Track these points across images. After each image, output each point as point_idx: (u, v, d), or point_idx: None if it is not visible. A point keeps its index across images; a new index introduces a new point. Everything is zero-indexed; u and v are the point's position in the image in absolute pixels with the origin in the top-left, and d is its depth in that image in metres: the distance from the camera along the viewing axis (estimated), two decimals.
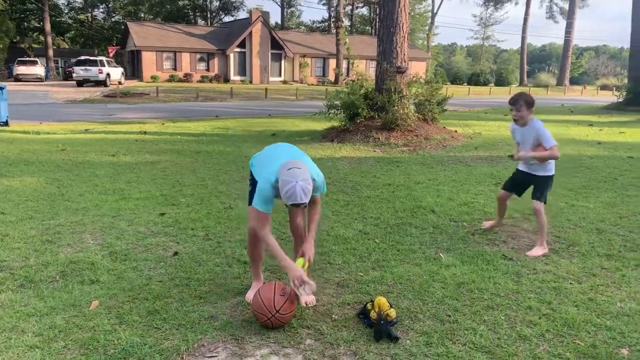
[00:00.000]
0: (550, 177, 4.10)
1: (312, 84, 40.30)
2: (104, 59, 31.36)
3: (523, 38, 58.50)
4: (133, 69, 40.64)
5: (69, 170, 6.94)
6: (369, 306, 2.82)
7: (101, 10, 60.77)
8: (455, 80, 57.86)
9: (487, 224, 4.64)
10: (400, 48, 10.35)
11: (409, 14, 10.80)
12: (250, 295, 3.07)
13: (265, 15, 40.08)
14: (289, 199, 2.61)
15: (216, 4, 60.86)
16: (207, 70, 39.34)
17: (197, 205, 5.24)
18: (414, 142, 9.69)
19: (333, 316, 2.91)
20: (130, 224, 4.58)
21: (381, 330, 2.66)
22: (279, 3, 59.59)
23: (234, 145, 9.56)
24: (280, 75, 41.42)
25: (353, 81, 10.95)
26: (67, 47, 59.11)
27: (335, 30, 42.23)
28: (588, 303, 3.13)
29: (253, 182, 3.06)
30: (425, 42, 63.33)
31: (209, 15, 61.15)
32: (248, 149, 9.10)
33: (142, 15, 58.45)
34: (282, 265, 2.84)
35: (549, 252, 4.00)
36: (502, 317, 2.94)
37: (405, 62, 10.47)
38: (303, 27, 68.17)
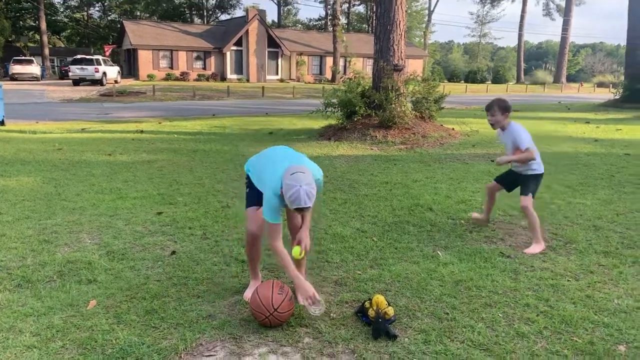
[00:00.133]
0: (535, 176, 4.12)
1: (309, 82, 40.26)
2: (100, 57, 31.30)
3: (520, 35, 58.61)
4: (129, 67, 40.53)
5: (66, 169, 6.92)
6: (367, 304, 2.82)
7: (97, 8, 60.62)
8: (452, 78, 57.88)
9: (474, 215, 4.70)
10: (397, 46, 10.35)
11: (406, 11, 10.79)
12: (248, 294, 3.06)
13: (261, 14, 39.99)
14: (292, 203, 2.59)
15: (212, 2, 60.75)
16: (204, 68, 39.25)
17: (194, 204, 5.23)
18: (411, 140, 9.70)
19: (331, 315, 2.91)
20: (128, 223, 4.57)
21: (379, 328, 2.66)
22: (275, 1, 59.60)
23: (231, 144, 9.55)
24: (277, 73, 41.37)
25: (350, 79, 10.95)
26: (63, 46, 58.89)
27: (332, 28, 42.18)
28: (586, 300, 3.14)
29: (250, 185, 3.06)
30: (422, 40, 63.28)
31: (205, 14, 61.01)
32: (245, 148, 9.09)
33: (138, 13, 58.27)
34: (293, 281, 2.86)
35: (546, 249, 4.01)
36: (500, 315, 2.94)
37: (402, 59, 10.47)
38: (300, 25, 68.13)
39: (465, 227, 4.57)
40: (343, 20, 54.69)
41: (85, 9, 59.25)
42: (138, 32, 38.40)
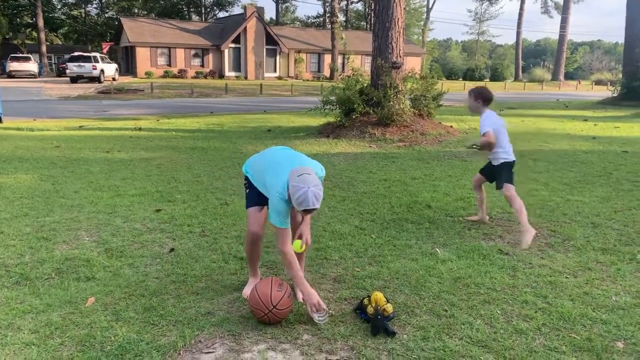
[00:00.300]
0: (504, 165, 4.27)
1: (308, 80, 40.21)
2: (97, 55, 31.22)
3: (518, 33, 58.56)
4: (127, 65, 40.43)
5: (64, 167, 6.90)
6: (365, 301, 2.82)
7: (94, 5, 60.39)
8: (450, 75, 57.90)
9: (471, 218, 4.75)
10: (396, 43, 10.34)
11: (404, 9, 10.78)
12: (247, 291, 3.06)
13: (259, 11, 39.93)
14: (300, 205, 2.57)
15: None
16: (202, 66, 39.19)
17: (193, 202, 5.23)
18: (409, 138, 9.70)
19: (330, 312, 2.91)
20: (126, 220, 4.56)
21: (378, 325, 2.67)
22: None
23: (229, 142, 9.54)
24: (275, 71, 41.32)
25: (348, 76, 10.92)
26: (60, 43, 58.69)
27: (330, 26, 42.13)
28: (584, 297, 3.14)
29: (250, 186, 3.05)
30: (421, 38, 63.25)
31: (203, 11, 60.87)
32: (243, 145, 9.08)
33: (136, 10, 58.07)
34: (300, 289, 2.85)
35: (545, 246, 4.02)
36: (498, 312, 2.95)
37: (400, 57, 10.46)
38: (298, 23, 68.01)
39: (463, 225, 4.58)
40: (341, 17, 54.62)
41: (83, 6, 59.00)
42: (136, 29, 38.30)
